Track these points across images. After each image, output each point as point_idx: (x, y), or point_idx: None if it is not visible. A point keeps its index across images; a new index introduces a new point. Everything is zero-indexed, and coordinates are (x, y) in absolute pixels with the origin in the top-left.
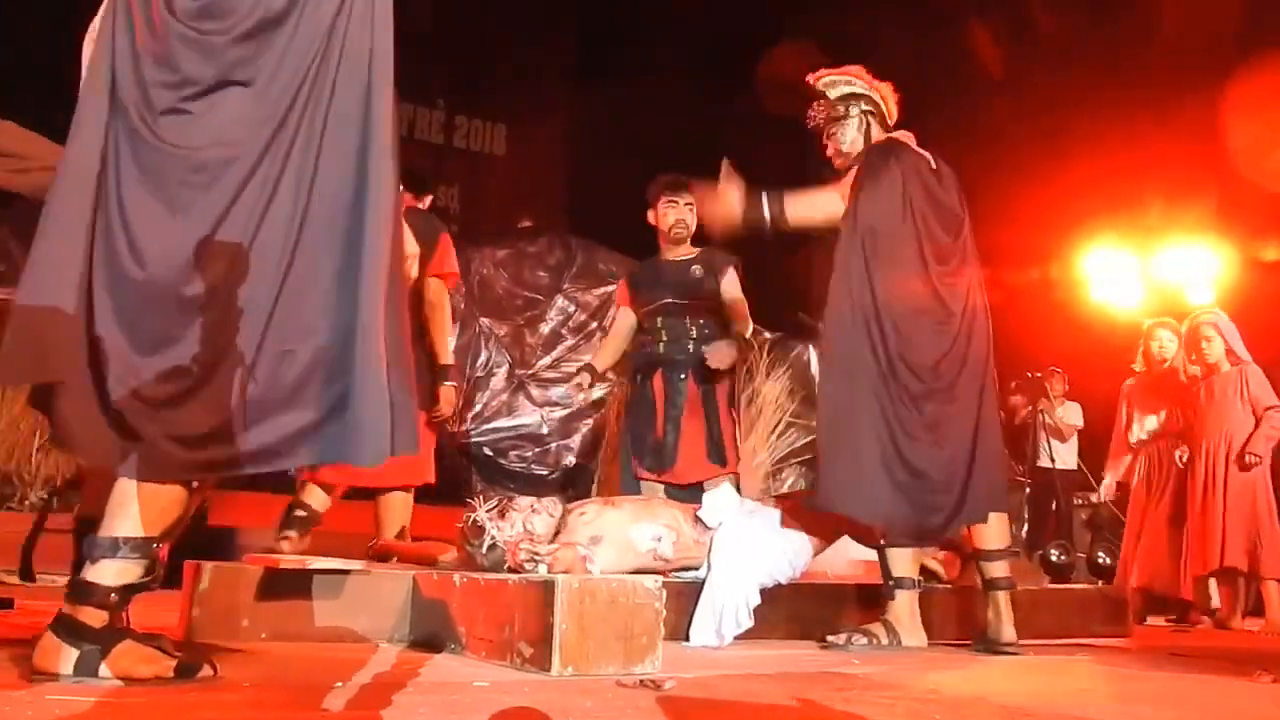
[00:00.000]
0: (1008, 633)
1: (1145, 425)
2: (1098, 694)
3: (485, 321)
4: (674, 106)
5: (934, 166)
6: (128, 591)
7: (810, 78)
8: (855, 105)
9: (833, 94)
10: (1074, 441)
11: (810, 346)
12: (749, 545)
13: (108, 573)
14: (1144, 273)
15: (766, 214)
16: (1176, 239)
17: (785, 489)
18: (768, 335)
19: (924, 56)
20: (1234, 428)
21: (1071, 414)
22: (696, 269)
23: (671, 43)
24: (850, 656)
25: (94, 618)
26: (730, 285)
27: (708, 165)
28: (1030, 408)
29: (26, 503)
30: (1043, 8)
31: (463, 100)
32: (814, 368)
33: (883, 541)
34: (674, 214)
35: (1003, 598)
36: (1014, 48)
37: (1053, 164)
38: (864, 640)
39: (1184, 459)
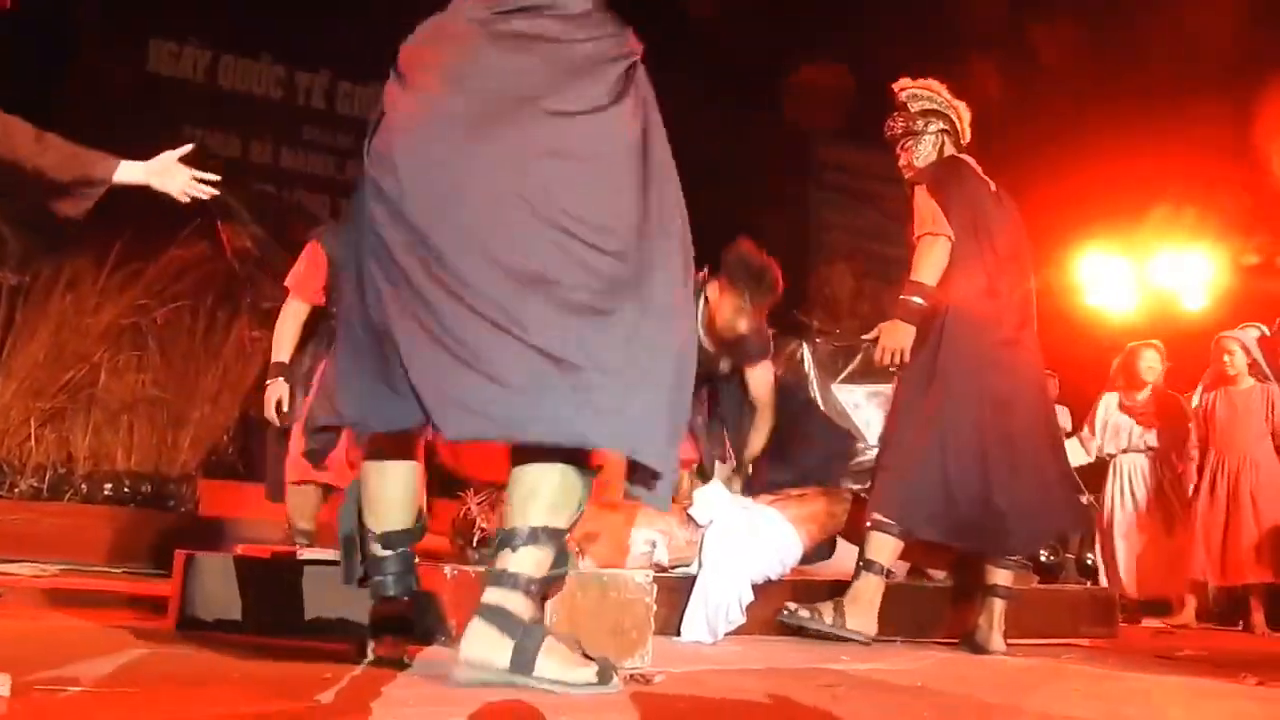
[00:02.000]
0: (996, 642)
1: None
2: (1084, 694)
3: None
4: (673, 109)
5: (993, 190)
6: (545, 583)
7: (895, 87)
8: (934, 122)
9: (914, 107)
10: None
11: (805, 344)
12: (741, 542)
13: (528, 562)
14: (1139, 278)
15: (922, 302)
16: (1172, 244)
17: None
18: None
19: (916, 60)
20: (1258, 449)
21: (1060, 417)
22: (725, 364)
23: (670, 43)
24: (839, 652)
25: (522, 608)
26: (759, 380)
27: (703, 166)
28: None
29: (16, 490)
30: (1040, 18)
31: None
32: (808, 365)
33: (869, 524)
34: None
35: (998, 606)
36: (1011, 56)
37: (1049, 168)
38: (806, 614)
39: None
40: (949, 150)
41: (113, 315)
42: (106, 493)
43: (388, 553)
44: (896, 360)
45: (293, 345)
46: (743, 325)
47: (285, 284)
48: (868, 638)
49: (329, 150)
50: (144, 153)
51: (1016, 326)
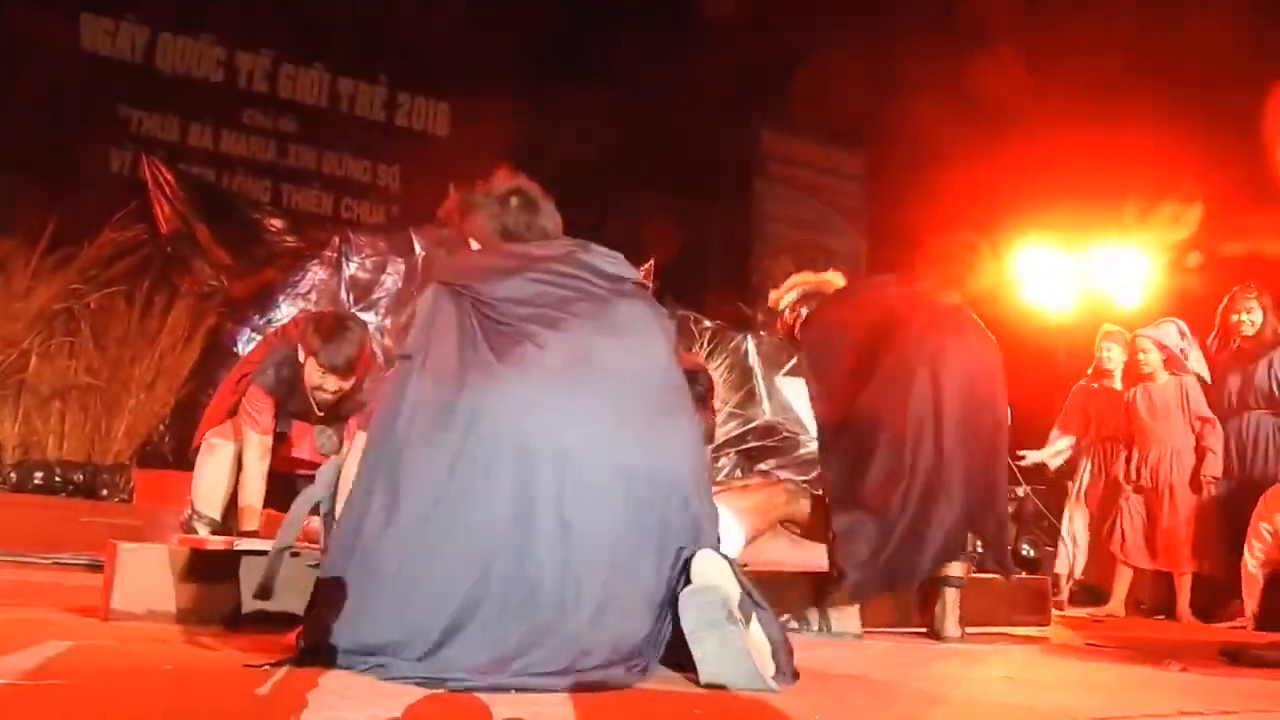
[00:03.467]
0: (950, 628)
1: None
2: (1016, 681)
3: None
4: (621, 94)
5: (860, 282)
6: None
7: (770, 302)
8: (803, 306)
9: (785, 305)
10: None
11: (749, 337)
12: None
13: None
14: (1075, 274)
15: None
16: (1109, 240)
17: (722, 476)
18: (708, 324)
19: (863, 57)
20: (1179, 441)
21: None
22: None
23: (622, 30)
24: None
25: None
26: None
27: (653, 151)
28: None
29: None
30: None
31: (406, 77)
32: (752, 358)
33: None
34: None
35: (951, 595)
36: (955, 50)
37: (990, 164)
38: (794, 624)
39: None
40: (813, 307)
41: (45, 299)
42: (37, 481)
43: None
44: None
45: (264, 483)
46: None
47: (236, 426)
48: (856, 635)
49: (271, 134)
50: (79, 135)
51: (933, 401)
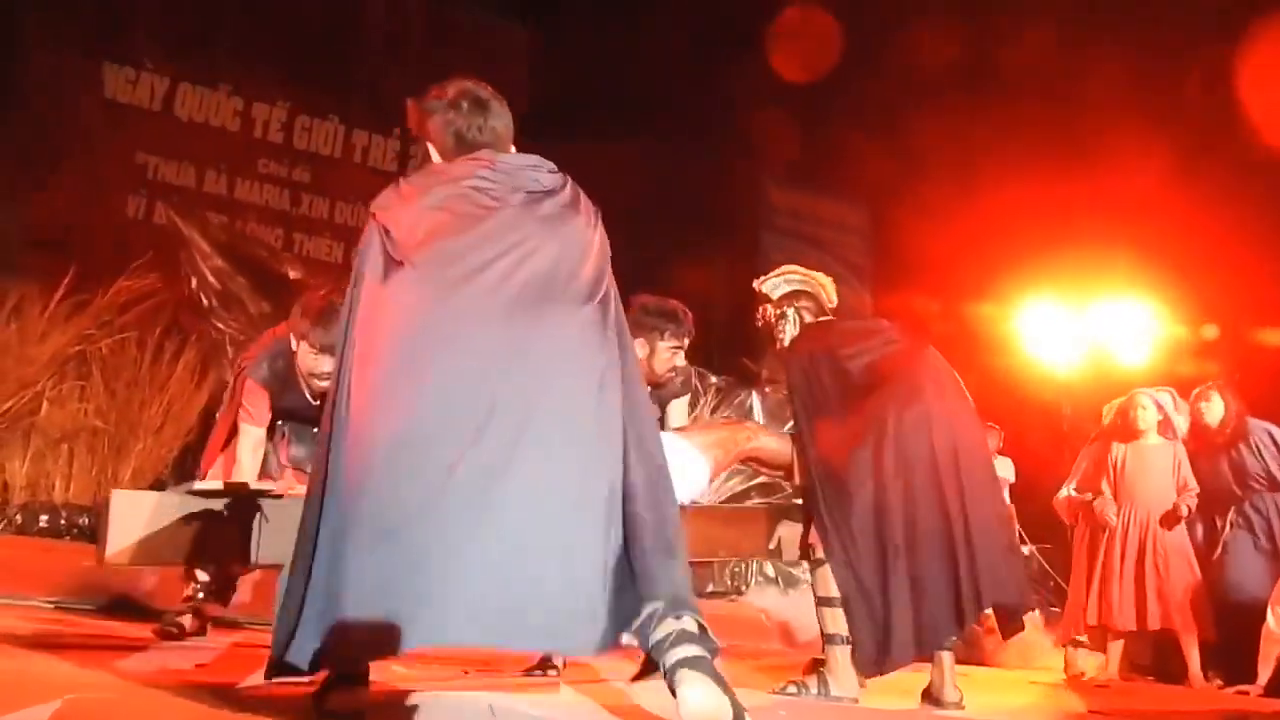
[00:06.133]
0: (950, 693)
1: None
2: None
3: None
4: (629, 146)
5: (858, 328)
6: None
7: (755, 284)
8: (792, 304)
9: (776, 295)
10: (1005, 494)
11: (754, 393)
12: None
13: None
14: (1078, 330)
15: None
16: (1111, 295)
17: None
18: (714, 379)
19: (870, 114)
20: (1167, 504)
21: (1004, 468)
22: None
23: (629, 84)
24: (777, 706)
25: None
26: (678, 412)
27: (660, 203)
28: None
29: None
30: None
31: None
32: (756, 413)
33: (816, 598)
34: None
35: (947, 658)
36: (958, 105)
37: (993, 220)
38: (793, 689)
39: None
40: (808, 320)
41: (59, 344)
42: (42, 524)
43: None
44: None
45: (256, 473)
46: (680, 361)
47: (234, 420)
48: (854, 698)
49: (284, 184)
50: (99, 178)
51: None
